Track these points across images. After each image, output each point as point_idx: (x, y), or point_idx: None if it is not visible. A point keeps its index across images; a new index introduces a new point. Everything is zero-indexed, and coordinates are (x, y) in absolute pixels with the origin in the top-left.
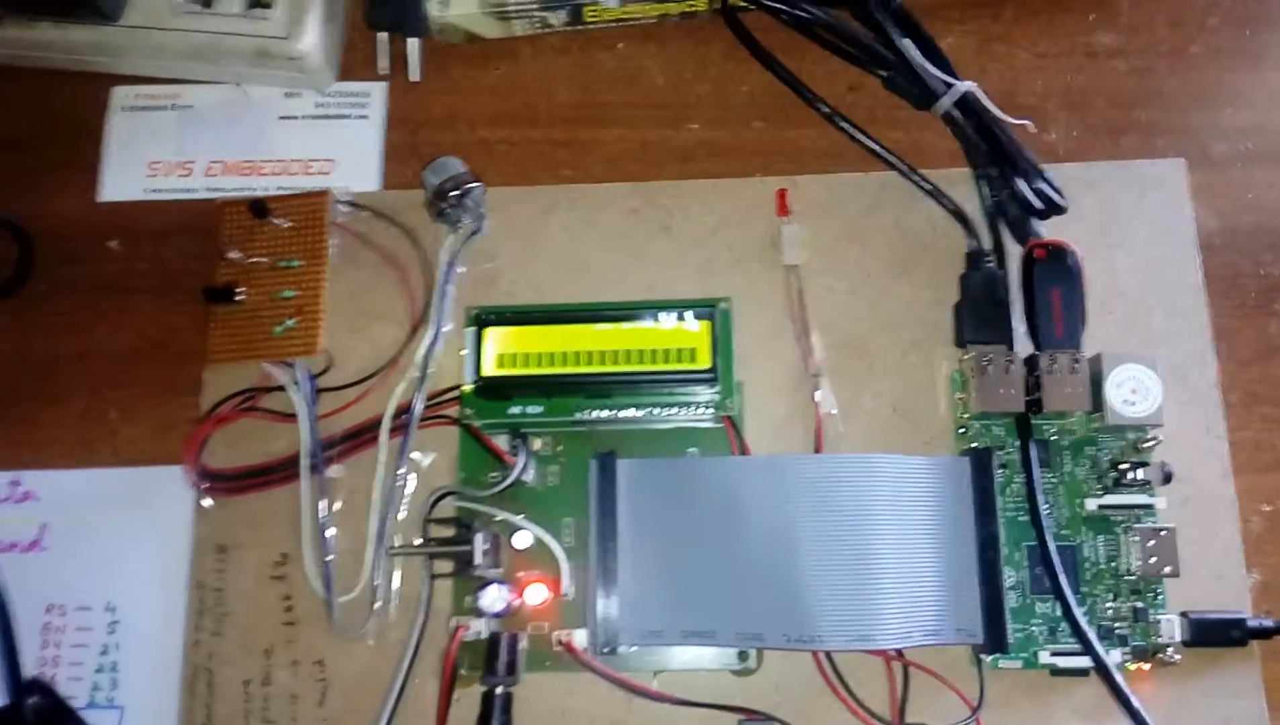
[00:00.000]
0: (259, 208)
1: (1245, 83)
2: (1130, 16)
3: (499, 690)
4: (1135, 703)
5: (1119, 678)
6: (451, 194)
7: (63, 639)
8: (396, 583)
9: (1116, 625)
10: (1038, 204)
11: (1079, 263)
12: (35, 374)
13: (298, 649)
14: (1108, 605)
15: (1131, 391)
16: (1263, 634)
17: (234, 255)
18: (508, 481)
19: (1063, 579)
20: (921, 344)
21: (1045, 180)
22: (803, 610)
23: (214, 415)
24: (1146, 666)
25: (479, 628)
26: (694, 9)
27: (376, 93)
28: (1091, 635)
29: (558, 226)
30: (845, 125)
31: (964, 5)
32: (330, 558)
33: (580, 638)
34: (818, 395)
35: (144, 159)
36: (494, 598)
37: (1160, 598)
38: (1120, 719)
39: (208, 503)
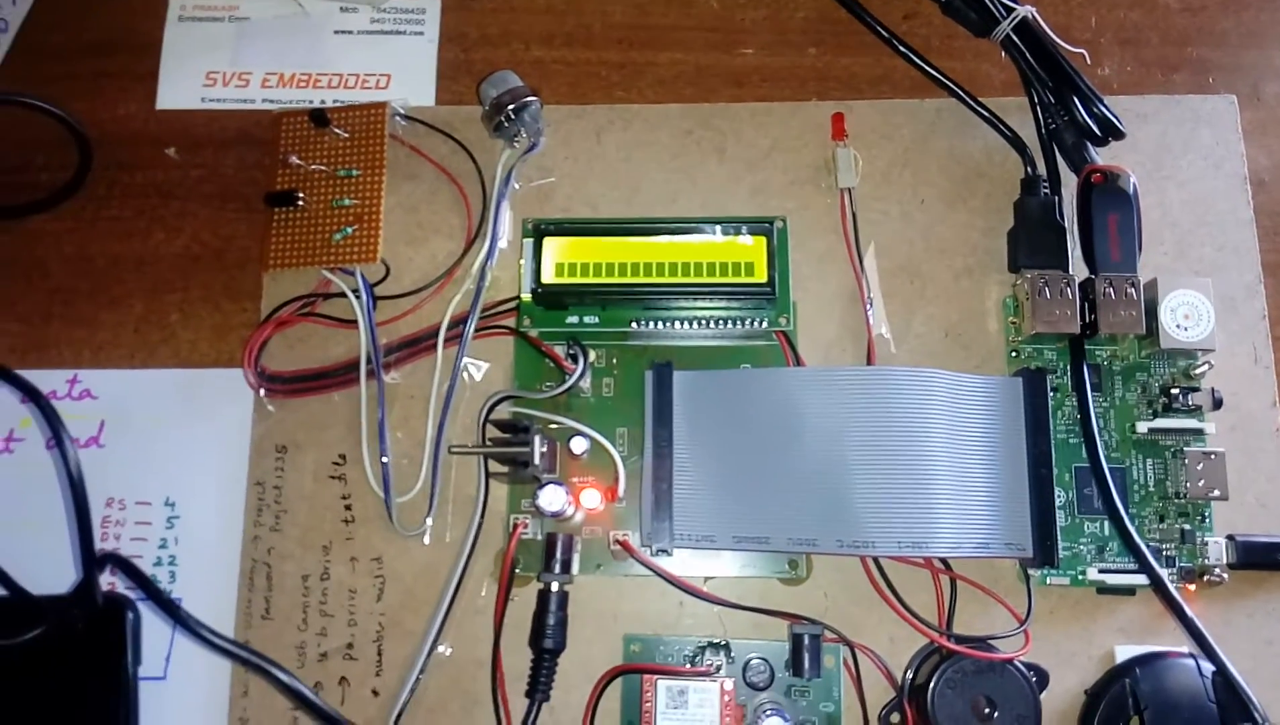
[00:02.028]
0: (320, 117)
1: None
2: None
3: (555, 587)
4: (1189, 613)
5: (1173, 589)
6: (509, 107)
7: (122, 532)
8: (453, 484)
9: (1164, 546)
10: (1096, 129)
11: (1135, 188)
12: (94, 276)
13: (356, 546)
14: (1156, 527)
15: (1185, 316)
16: None
17: (295, 160)
18: (566, 385)
19: (1118, 499)
20: (974, 270)
21: (1103, 105)
22: (855, 517)
23: (274, 319)
24: (1193, 587)
25: (534, 526)
26: None
27: (432, 9)
28: (1144, 549)
29: (612, 146)
30: (903, 50)
31: None
32: (387, 459)
33: (636, 540)
34: (870, 317)
35: (201, 69)
36: (552, 497)
37: (1208, 520)
38: (1166, 636)
39: (271, 408)
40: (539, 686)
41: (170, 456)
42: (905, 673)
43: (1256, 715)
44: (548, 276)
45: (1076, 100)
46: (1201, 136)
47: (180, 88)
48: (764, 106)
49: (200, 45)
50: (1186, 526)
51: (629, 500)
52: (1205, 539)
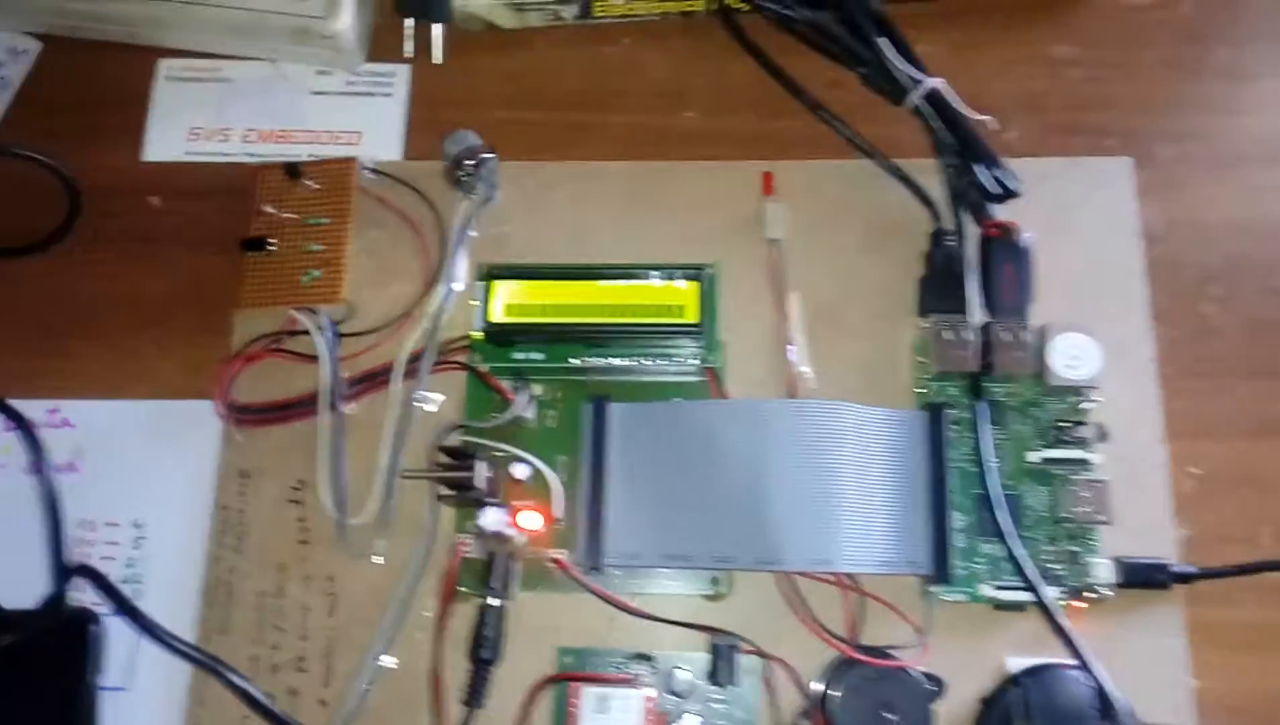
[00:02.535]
0: (293, 170)
1: (1190, 93)
2: (1087, 30)
3: (494, 603)
4: (1066, 626)
5: (1051, 604)
6: (467, 162)
7: (92, 551)
8: (404, 509)
9: (1053, 567)
10: (994, 189)
11: (1029, 242)
12: (78, 314)
13: (310, 566)
14: (1047, 548)
15: (1073, 357)
16: (1185, 579)
17: (269, 209)
18: (508, 415)
19: (1006, 520)
20: (887, 314)
21: (1002, 168)
22: (770, 536)
23: (243, 354)
24: (1082, 605)
25: (477, 548)
26: (693, 8)
27: (401, 73)
28: (1030, 569)
29: (564, 199)
30: (826, 116)
31: (936, 15)
32: (344, 485)
33: (573, 559)
34: (792, 356)
35: (186, 125)
36: (493, 518)
37: (1094, 544)
38: (1057, 649)
39: (238, 437)
40: (475, 695)
41: (141, 481)
42: (816, 682)
43: (1120, 716)
44: (497, 316)
45: (979, 163)
46: (1098, 195)
47: (166, 142)
48: (703, 165)
49: (186, 103)
50: (1075, 548)
51: (566, 522)
52: (1092, 560)
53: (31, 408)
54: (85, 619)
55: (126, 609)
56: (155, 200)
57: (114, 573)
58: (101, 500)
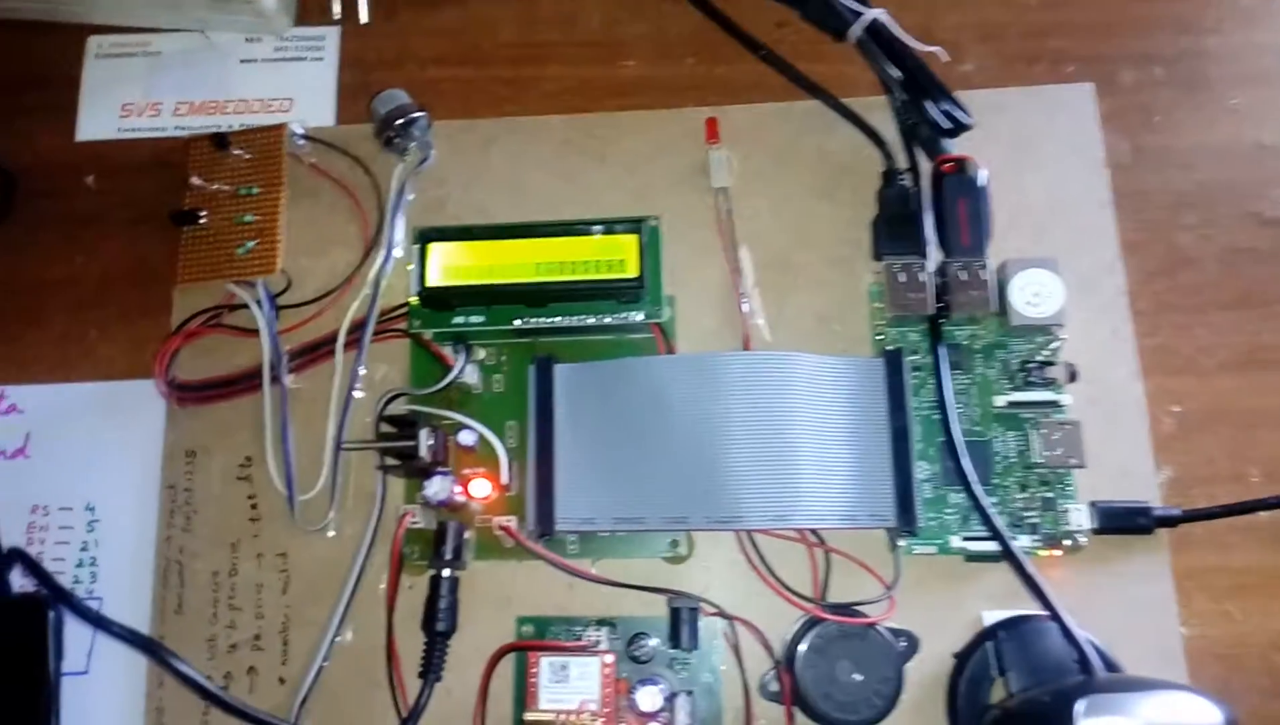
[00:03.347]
0: (221, 140)
1: (1151, 14)
2: None
3: (446, 573)
4: (1034, 574)
5: (1019, 552)
6: (397, 122)
7: (46, 537)
8: (353, 481)
9: (1027, 514)
10: (945, 123)
11: (984, 175)
12: (19, 299)
13: (262, 543)
14: (1018, 496)
15: (1034, 294)
16: (1168, 522)
17: (196, 181)
18: (447, 380)
19: (969, 467)
20: (842, 259)
21: (952, 100)
22: (725, 494)
23: (183, 331)
24: (1058, 553)
25: (428, 517)
26: None
27: (330, 36)
28: (994, 517)
29: (500, 156)
30: (769, 56)
31: None
32: (291, 459)
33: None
34: (745, 307)
35: (117, 101)
36: (439, 487)
37: (1069, 488)
38: (1029, 602)
39: (181, 413)
40: (432, 668)
41: (90, 464)
42: (782, 643)
43: (1093, 667)
44: (433, 280)
45: (927, 97)
46: (1059, 124)
47: (98, 120)
48: (642, 114)
49: (116, 79)
50: (1048, 494)
51: (518, 488)
52: (1067, 506)
53: None
54: (42, 605)
55: (55, 590)
56: (90, 180)
57: (69, 557)
58: (53, 484)
